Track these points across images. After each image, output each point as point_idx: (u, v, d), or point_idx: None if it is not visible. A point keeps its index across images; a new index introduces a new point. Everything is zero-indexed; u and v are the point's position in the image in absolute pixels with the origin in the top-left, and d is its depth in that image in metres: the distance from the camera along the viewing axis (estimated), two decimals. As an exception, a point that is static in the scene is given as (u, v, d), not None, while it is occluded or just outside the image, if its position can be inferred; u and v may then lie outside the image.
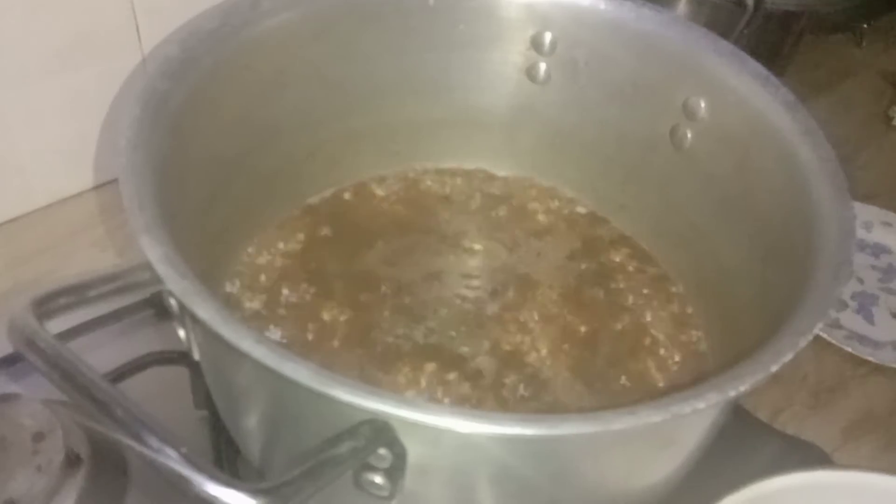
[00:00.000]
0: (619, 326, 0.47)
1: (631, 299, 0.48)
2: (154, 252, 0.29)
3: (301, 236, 0.49)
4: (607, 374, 0.44)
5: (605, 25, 0.47)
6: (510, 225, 0.52)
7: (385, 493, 0.30)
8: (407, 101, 0.50)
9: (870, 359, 0.53)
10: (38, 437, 0.34)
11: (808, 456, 0.47)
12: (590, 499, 0.35)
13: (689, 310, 0.48)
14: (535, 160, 0.54)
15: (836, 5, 0.70)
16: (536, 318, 0.46)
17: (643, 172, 0.49)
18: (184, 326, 0.34)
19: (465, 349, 0.44)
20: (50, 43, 0.50)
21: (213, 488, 0.25)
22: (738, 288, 0.43)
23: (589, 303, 0.48)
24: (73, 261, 0.52)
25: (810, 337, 0.31)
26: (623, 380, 0.44)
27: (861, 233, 0.62)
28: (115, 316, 0.45)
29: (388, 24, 0.47)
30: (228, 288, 0.45)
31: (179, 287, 0.29)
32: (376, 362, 0.43)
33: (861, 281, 0.60)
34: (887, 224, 0.63)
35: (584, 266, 0.50)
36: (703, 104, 0.45)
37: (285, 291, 0.46)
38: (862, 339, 0.55)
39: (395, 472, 0.29)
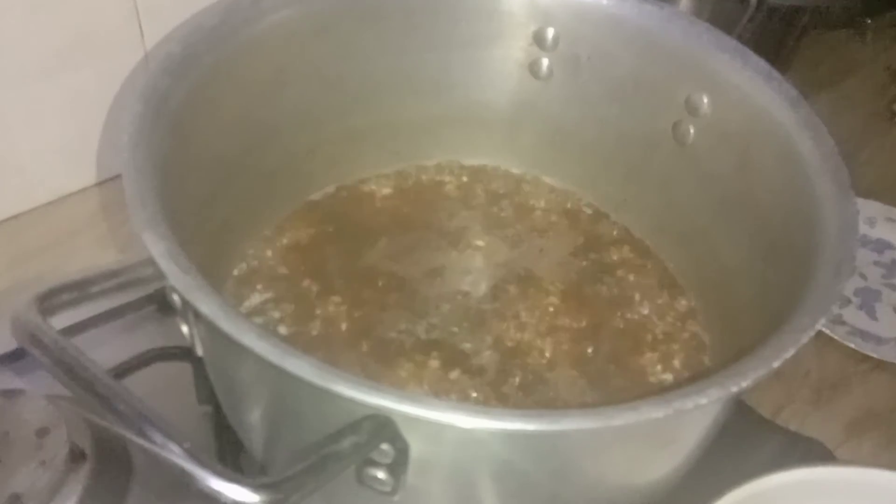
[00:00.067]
0: (620, 323, 0.47)
1: (633, 296, 0.48)
2: (157, 248, 0.29)
3: (303, 233, 0.49)
4: (609, 370, 0.44)
5: (608, 21, 0.47)
6: (512, 221, 0.52)
7: (387, 489, 0.30)
8: (408, 99, 0.50)
9: (872, 355, 0.53)
10: (42, 432, 0.34)
11: (811, 452, 0.47)
12: (591, 495, 0.35)
13: (691, 306, 0.48)
14: (537, 157, 0.54)
15: (840, 1, 0.70)
16: (538, 314, 0.46)
17: (645, 169, 0.49)
18: (187, 322, 0.34)
19: (467, 345, 0.44)
20: (50, 42, 0.50)
21: (216, 483, 0.25)
22: (740, 284, 0.43)
23: (591, 299, 0.48)
24: (75, 258, 0.53)
25: (812, 333, 0.31)
26: (625, 376, 0.44)
27: (864, 229, 0.62)
28: (118, 312, 0.45)
29: (389, 22, 0.47)
30: (231, 284, 0.45)
31: (182, 282, 0.29)
32: (379, 358, 0.43)
33: (864, 277, 0.60)
34: (891, 220, 0.63)
35: (585, 263, 0.50)
36: (705, 100, 0.45)
37: (288, 287, 0.46)
38: (865, 335, 0.55)
39: (398, 467, 0.29)
